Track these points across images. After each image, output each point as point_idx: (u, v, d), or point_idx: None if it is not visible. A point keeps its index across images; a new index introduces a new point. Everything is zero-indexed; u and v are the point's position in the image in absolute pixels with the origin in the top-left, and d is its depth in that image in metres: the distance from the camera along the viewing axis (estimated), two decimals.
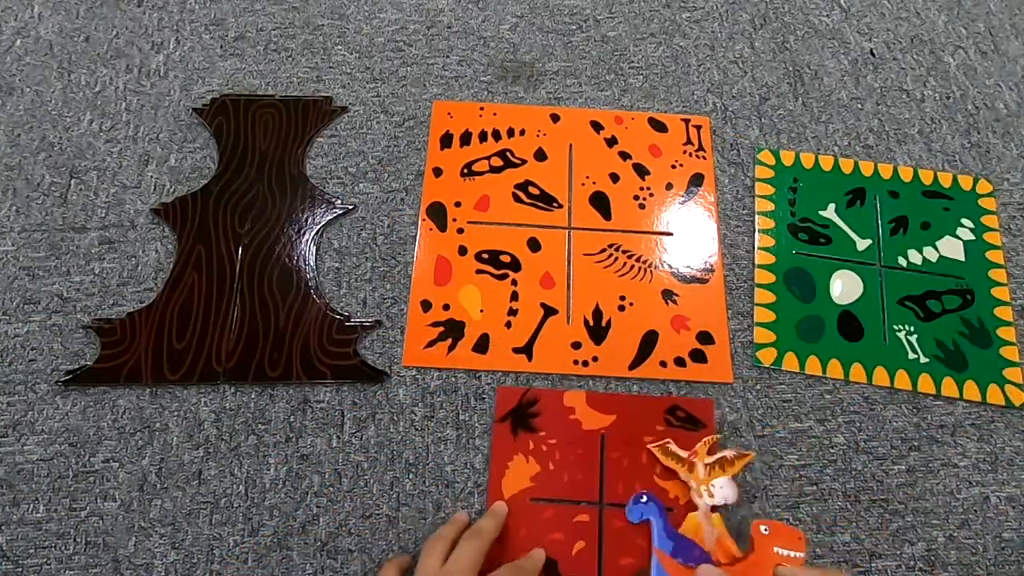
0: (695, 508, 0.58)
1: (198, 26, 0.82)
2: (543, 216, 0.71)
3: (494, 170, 0.73)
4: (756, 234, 0.72)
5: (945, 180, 0.75)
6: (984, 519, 0.60)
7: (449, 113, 0.75)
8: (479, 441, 0.63)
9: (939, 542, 0.59)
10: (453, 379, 0.65)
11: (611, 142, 0.75)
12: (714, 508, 0.58)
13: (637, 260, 0.69)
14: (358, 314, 0.67)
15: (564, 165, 0.74)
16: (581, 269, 0.69)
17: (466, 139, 0.74)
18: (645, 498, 0.59)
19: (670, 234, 0.71)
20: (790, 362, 0.66)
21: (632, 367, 0.65)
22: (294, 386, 0.64)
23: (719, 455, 0.60)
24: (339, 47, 0.81)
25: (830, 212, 0.73)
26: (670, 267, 0.69)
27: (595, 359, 0.65)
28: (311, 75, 0.79)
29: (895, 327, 0.68)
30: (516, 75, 0.80)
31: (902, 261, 0.71)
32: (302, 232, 0.70)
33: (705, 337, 0.66)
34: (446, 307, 0.67)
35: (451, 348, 0.65)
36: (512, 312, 0.66)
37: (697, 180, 0.74)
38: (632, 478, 0.61)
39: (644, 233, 0.71)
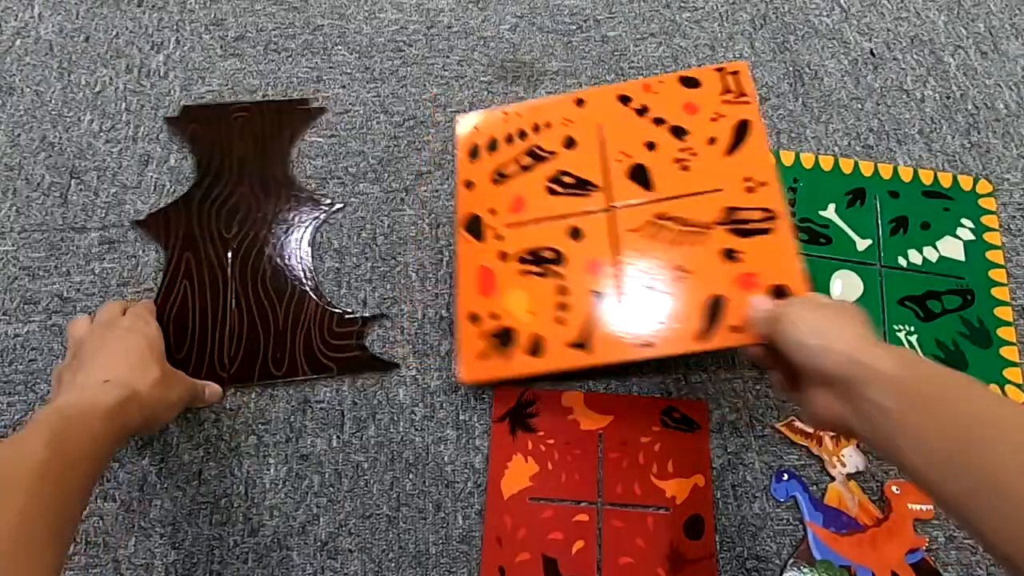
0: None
1: (198, 26, 0.82)
2: (581, 202, 0.66)
3: (524, 169, 0.69)
4: None
5: (945, 180, 0.75)
6: None
7: (476, 127, 0.72)
8: (479, 441, 0.63)
9: (939, 542, 0.59)
10: (453, 379, 0.65)
11: (642, 111, 0.69)
12: (849, 476, 0.62)
13: (688, 225, 0.63)
14: (358, 312, 0.67)
15: (596, 147, 0.68)
16: (630, 247, 0.63)
17: (492, 146, 0.71)
18: (787, 476, 0.61)
19: (719, 190, 0.64)
20: None
21: (701, 338, 0.58)
22: (296, 385, 0.64)
23: None
24: (339, 47, 0.81)
25: (830, 212, 0.73)
26: (726, 224, 0.62)
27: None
28: (311, 75, 0.79)
29: (895, 327, 0.68)
30: (516, 75, 0.80)
31: (902, 261, 0.71)
32: (290, 231, 0.70)
33: (779, 292, 0.58)
34: (494, 316, 0.62)
35: (506, 356, 0.61)
36: (562, 307, 0.61)
37: (743, 128, 0.66)
38: (631, 478, 0.61)
39: (692, 196, 0.64)
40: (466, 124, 0.73)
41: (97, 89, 0.78)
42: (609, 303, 0.61)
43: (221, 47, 0.81)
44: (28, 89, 0.78)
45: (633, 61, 0.81)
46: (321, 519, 0.60)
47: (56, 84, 0.78)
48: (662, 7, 0.86)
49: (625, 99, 0.70)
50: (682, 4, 0.86)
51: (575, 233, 0.64)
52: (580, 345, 0.60)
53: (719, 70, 0.69)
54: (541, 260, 0.64)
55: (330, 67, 0.80)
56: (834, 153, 0.76)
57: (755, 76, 0.81)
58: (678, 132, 0.67)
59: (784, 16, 0.86)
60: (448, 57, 0.81)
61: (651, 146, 0.67)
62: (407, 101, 0.78)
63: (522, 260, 0.64)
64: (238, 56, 0.80)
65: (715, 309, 0.59)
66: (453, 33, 0.83)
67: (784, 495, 0.61)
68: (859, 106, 0.79)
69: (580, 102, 0.71)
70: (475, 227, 0.67)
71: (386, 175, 0.74)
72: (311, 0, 0.84)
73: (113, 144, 0.75)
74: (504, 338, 0.61)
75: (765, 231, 0.61)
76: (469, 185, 0.69)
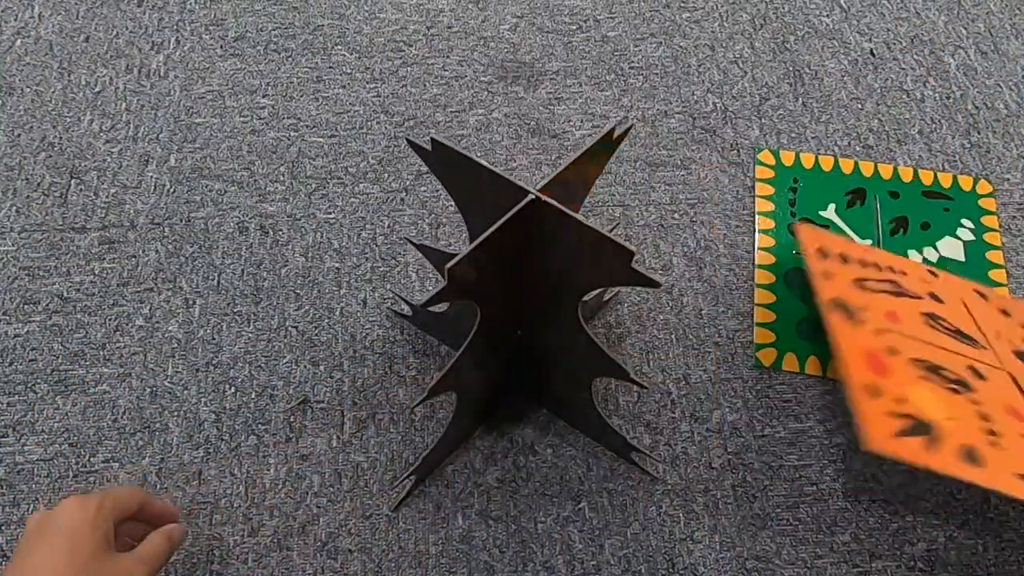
0: None
1: (198, 26, 0.82)
2: (969, 349, 0.60)
3: (890, 293, 0.63)
4: (756, 234, 0.72)
5: (945, 180, 0.75)
6: (984, 519, 0.60)
7: (819, 248, 0.67)
8: (479, 441, 0.63)
9: (939, 542, 0.59)
10: None
11: (1006, 313, 0.66)
12: None
13: None
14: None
15: (965, 312, 0.64)
16: None
17: (845, 259, 0.66)
18: None
19: None
20: (790, 362, 0.66)
21: None
22: (295, 386, 0.64)
23: None
24: (339, 47, 0.81)
25: (830, 212, 0.73)
26: None
27: None
28: (311, 75, 0.79)
29: None
30: (516, 75, 0.80)
31: None
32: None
33: None
34: (899, 401, 0.56)
35: (929, 447, 0.54)
36: (991, 433, 0.54)
37: None
38: None
39: None
40: (811, 239, 0.67)
41: (97, 89, 0.78)
42: None
43: (221, 47, 0.81)
44: (28, 89, 0.78)
45: (633, 61, 0.81)
46: (321, 519, 0.60)
47: (56, 84, 0.78)
48: (662, 7, 0.86)
49: (983, 296, 0.67)
50: (682, 4, 0.86)
51: (976, 372, 0.59)
52: None
53: None
54: (944, 377, 0.57)
55: (330, 67, 0.80)
56: (834, 153, 0.76)
57: (755, 76, 0.81)
58: None
59: (784, 16, 0.86)
60: (448, 57, 0.81)
61: (1022, 356, 0.63)
62: (407, 101, 0.78)
63: (917, 365, 0.58)
64: (238, 56, 0.80)
65: None
66: (453, 33, 0.83)
67: None
68: (859, 106, 0.79)
69: (933, 274, 0.68)
70: (845, 310, 0.60)
71: (386, 175, 0.74)
72: (311, 0, 0.84)
73: (113, 144, 0.75)
74: (923, 429, 0.55)
75: None
76: (828, 276, 0.63)
